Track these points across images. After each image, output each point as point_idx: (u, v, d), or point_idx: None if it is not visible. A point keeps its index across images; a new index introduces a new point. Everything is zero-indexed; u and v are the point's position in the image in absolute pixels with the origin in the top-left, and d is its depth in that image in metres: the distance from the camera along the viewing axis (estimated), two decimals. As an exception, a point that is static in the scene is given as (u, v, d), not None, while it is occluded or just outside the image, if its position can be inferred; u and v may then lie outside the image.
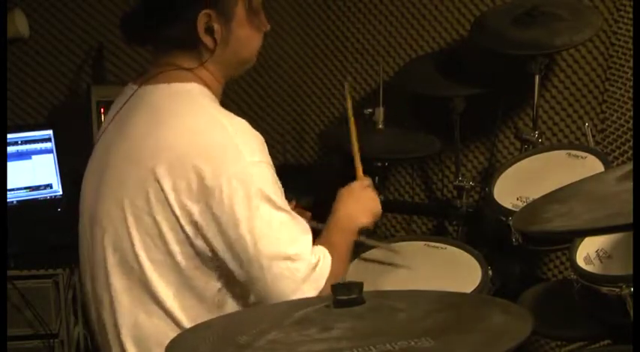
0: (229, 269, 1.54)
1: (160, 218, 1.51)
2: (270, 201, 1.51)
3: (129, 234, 1.54)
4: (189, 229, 1.50)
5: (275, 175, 1.55)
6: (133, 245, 1.54)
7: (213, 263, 1.54)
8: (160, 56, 1.63)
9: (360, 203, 1.79)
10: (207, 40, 1.57)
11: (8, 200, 2.67)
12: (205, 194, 1.48)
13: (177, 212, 1.49)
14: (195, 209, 1.49)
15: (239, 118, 1.57)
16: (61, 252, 2.49)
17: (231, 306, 1.59)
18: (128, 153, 1.56)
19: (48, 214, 2.71)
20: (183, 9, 1.55)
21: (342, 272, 1.62)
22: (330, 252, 1.60)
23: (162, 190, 1.49)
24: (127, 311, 1.57)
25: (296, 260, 1.52)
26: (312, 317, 1.08)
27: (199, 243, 1.51)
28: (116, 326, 1.59)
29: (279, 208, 1.52)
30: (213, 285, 1.56)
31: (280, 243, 1.51)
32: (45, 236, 2.57)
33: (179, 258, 1.52)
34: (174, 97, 1.57)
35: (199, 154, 1.48)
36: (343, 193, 1.81)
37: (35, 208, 2.72)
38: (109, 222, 1.57)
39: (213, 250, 1.52)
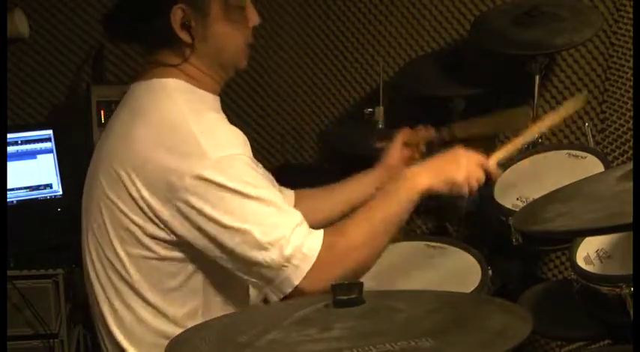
0: (206, 259, 1.54)
1: (128, 211, 1.52)
2: (238, 193, 1.48)
3: (107, 231, 1.56)
4: (158, 223, 1.51)
5: (250, 163, 1.52)
6: (111, 242, 1.56)
7: (187, 254, 1.54)
8: (148, 54, 1.64)
9: (443, 161, 1.67)
10: (183, 35, 1.57)
11: (8, 200, 2.67)
12: (171, 194, 1.48)
13: (146, 210, 1.51)
14: (162, 208, 1.49)
15: (210, 113, 1.56)
16: (61, 252, 2.50)
17: (212, 293, 1.60)
18: (108, 151, 1.59)
19: (48, 214, 2.71)
20: (156, 5, 1.56)
21: (361, 236, 1.55)
22: (356, 218, 1.57)
23: (130, 189, 1.51)
24: (117, 309, 1.59)
25: (269, 249, 1.48)
26: (312, 317, 1.08)
27: (170, 237, 1.52)
28: (108, 324, 1.61)
29: (250, 197, 1.49)
30: (187, 271, 1.56)
31: (253, 233, 1.48)
32: (45, 236, 2.57)
33: (152, 250, 1.53)
34: (149, 94, 1.59)
35: (164, 154, 1.49)
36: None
37: (35, 208, 2.72)
38: (92, 217, 1.60)
39: (186, 242, 1.52)
